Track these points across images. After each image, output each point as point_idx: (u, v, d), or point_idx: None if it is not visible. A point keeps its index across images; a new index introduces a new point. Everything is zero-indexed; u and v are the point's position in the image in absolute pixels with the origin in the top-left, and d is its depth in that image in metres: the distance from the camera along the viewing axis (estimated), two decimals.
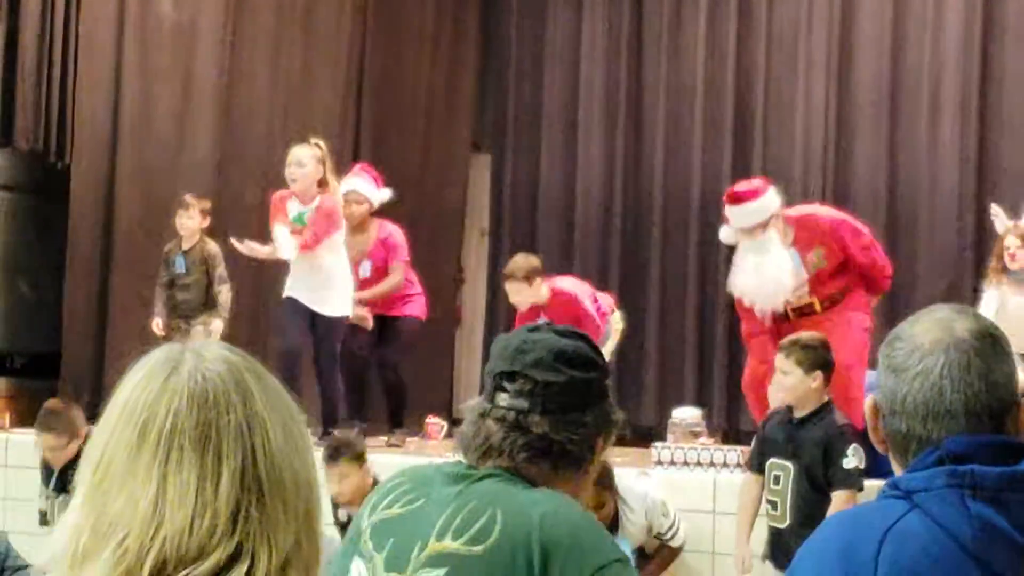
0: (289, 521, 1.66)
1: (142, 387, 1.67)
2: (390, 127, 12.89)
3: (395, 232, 10.51)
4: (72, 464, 8.33)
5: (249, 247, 9.75)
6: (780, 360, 7.16)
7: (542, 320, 8.46)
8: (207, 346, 1.73)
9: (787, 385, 7.12)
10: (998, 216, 9.90)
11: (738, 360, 12.47)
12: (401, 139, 12.67)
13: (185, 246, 10.38)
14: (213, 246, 10.40)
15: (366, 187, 10.46)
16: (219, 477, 1.62)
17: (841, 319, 8.61)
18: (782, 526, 7.11)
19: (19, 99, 10.73)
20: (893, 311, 11.18)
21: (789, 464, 7.08)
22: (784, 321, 8.72)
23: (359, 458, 7.52)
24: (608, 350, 9.30)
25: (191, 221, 10.34)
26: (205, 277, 10.35)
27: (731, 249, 12.41)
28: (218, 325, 10.34)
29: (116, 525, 1.62)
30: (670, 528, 7.96)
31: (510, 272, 9.92)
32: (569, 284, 10.18)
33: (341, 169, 12.46)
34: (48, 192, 11.32)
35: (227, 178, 11.69)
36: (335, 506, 7.65)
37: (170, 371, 1.67)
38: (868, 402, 2.45)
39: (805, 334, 7.45)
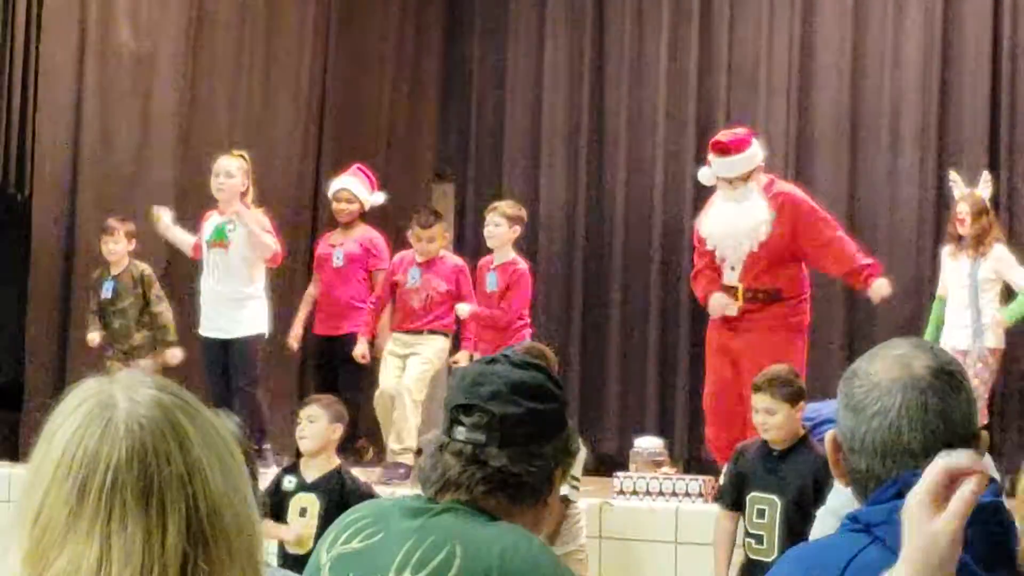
0: (235, 563, 1.64)
1: (77, 440, 1.63)
2: (351, 154, 12.83)
3: (378, 239, 10.56)
4: None
5: (164, 222, 10.15)
6: (763, 399, 6.98)
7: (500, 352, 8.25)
8: (137, 386, 1.69)
9: (775, 423, 6.97)
10: (956, 183, 10.24)
11: (701, 389, 12.46)
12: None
13: (114, 271, 10.34)
14: (146, 267, 10.37)
15: (359, 187, 10.54)
16: (164, 530, 1.59)
17: (788, 344, 8.75)
18: (769, 559, 7.03)
19: None
20: (853, 344, 11.22)
21: (775, 498, 6.95)
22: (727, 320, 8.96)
23: (329, 407, 7.53)
24: None
25: (117, 246, 10.30)
26: (139, 300, 10.28)
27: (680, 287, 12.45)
28: (175, 354, 10.25)
29: None
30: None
31: (497, 205, 9.98)
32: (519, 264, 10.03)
33: (302, 197, 12.46)
34: (8, 224, 11.22)
35: (187, 207, 11.63)
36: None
37: (106, 421, 1.64)
38: (828, 436, 2.45)
39: (775, 368, 7.35)
